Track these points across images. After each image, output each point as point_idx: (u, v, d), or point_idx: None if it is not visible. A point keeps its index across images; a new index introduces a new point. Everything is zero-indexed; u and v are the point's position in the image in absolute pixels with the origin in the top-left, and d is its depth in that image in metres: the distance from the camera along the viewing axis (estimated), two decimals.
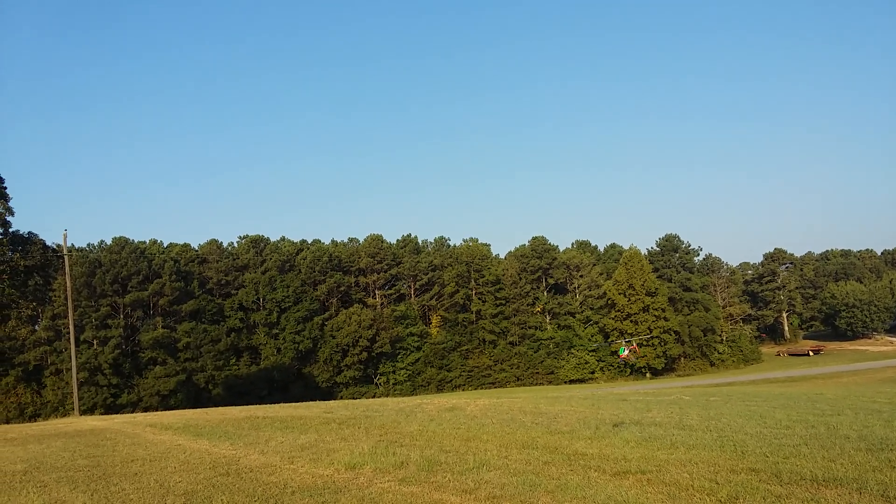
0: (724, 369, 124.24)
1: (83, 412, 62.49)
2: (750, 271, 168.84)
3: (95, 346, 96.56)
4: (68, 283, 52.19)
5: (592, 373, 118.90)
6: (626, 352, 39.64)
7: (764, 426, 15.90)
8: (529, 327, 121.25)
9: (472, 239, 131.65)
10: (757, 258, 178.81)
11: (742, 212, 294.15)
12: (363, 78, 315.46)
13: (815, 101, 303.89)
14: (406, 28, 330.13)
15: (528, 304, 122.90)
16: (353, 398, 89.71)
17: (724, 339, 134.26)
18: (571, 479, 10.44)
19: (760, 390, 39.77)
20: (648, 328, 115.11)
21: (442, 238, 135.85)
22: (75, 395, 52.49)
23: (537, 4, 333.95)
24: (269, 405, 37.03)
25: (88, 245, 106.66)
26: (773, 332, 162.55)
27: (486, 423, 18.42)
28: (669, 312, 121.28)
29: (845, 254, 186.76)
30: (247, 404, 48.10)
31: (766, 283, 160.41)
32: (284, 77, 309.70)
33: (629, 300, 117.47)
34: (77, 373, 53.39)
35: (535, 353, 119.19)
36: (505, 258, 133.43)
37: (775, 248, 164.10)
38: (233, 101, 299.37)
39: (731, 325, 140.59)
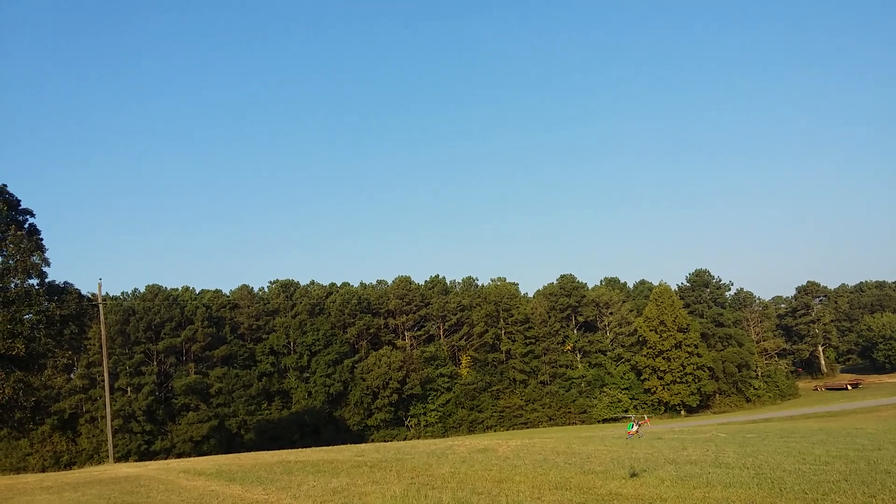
0: (760, 405, 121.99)
1: (118, 459, 62.90)
2: (783, 305, 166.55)
3: (129, 394, 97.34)
4: (103, 332, 52.94)
5: (626, 411, 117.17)
6: (636, 427, 37.89)
7: (802, 463, 15.63)
8: (560, 366, 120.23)
9: (499, 278, 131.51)
10: (790, 292, 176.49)
11: (773, 245, 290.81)
12: (389, 120, 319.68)
13: (845, 133, 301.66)
14: (427, 67, 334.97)
15: (558, 343, 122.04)
16: (385, 441, 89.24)
17: (760, 374, 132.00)
18: None
19: (798, 426, 39.01)
20: (683, 366, 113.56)
21: (470, 278, 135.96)
22: (110, 442, 52.88)
23: (569, 47, 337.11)
24: (300, 449, 37.07)
25: (122, 293, 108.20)
26: (809, 367, 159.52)
27: (518, 464, 18.29)
28: (702, 348, 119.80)
29: (880, 285, 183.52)
30: (279, 449, 48.13)
31: (800, 316, 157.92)
32: (312, 121, 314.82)
33: (661, 337, 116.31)
34: (111, 420, 53.87)
35: (566, 392, 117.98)
36: (533, 297, 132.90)
37: (808, 281, 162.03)
38: (260, 147, 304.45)
39: (765, 360, 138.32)
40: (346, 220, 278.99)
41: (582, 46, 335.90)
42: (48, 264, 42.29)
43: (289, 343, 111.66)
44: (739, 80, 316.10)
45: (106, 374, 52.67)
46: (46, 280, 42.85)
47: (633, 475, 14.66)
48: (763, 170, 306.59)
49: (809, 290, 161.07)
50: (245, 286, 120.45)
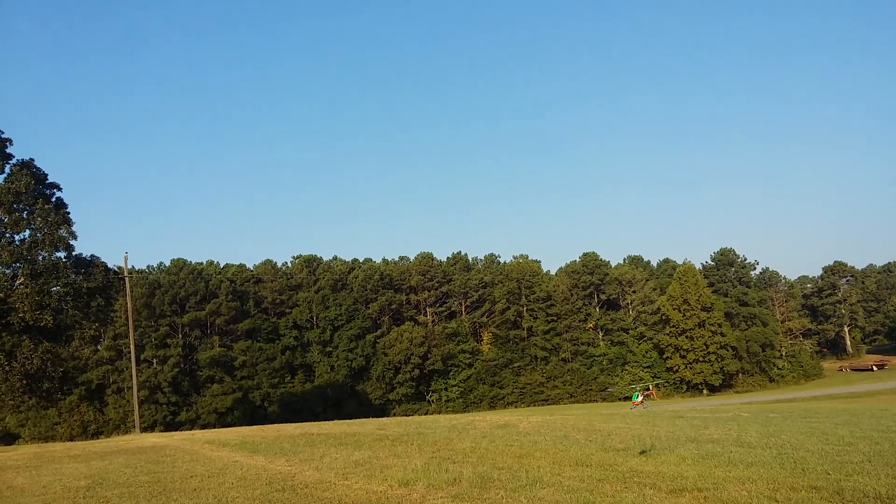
0: (783, 385, 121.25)
1: (143, 429, 63.86)
2: (809, 285, 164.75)
3: (155, 365, 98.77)
4: (129, 304, 53.57)
5: (647, 389, 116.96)
6: (640, 397, 37.99)
7: (826, 443, 15.51)
8: (582, 344, 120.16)
9: (522, 255, 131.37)
10: (816, 271, 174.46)
11: (800, 225, 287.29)
12: (409, 98, 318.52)
13: (873, 111, 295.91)
14: (449, 48, 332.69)
15: (580, 321, 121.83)
16: (406, 415, 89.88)
17: (784, 354, 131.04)
18: (626, 497, 10.33)
19: (822, 406, 38.71)
20: (707, 345, 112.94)
21: (492, 255, 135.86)
22: (136, 412, 53.69)
23: (591, 26, 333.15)
24: (323, 422, 37.38)
25: (148, 267, 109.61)
26: (834, 347, 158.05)
27: (538, 440, 18.32)
28: (726, 328, 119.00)
29: None
30: (302, 421, 48.63)
31: (826, 296, 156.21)
32: (337, 97, 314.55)
33: (684, 315, 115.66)
34: (138, 391, 54.64)
35: (588, 369, 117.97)
36: (556, 274, 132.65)
37: (835, 261, 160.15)
38: (284, 123, 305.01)
39: (790, 339, 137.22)
40: (369, 196, 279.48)
41: (603, 25, 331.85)
42: (75, 237, 42.83)
43: (312, 317, 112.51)
44: (765, 59, 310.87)
45: (132, 346, 53.36)
46: (73, 253, 43.43)
47: (643, 452, 14.50)
48: (789, 149, 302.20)
49: (836, 270, 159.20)
50: (268, 261, 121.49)
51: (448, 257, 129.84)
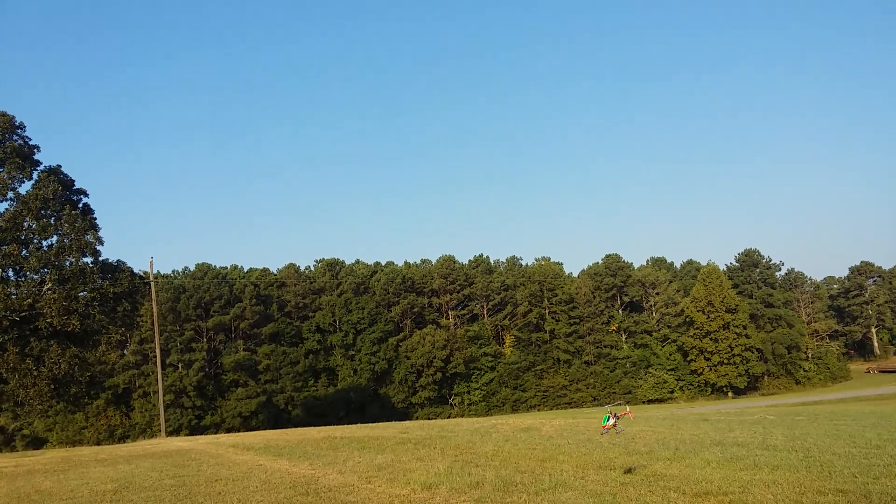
0: (810, 387, 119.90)
1: (169, 433, 64.50)
2: (835, 285, 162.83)
3: (180, 370, 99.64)
4: (154, 309, 54.14)
5: (672, 392, 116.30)
6: (612, 420, 36.39)
7: (853, 446, 15.34)
8: (605, 346, 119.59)
9: (543, 258, 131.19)
10: (843, 272, 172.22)
11: (826, 224, 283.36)
12: (427, 99, 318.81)
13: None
14: (472, 43, 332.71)
15: (602, 323, 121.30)
16: (429, 418, 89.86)
17: (810, 356, 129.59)
18: (650, 501, 10.28)
19: (849, 409, 38.22)
20: (731, 347, 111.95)
21: (513, 258, 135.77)
22: (162, 417, 54.25)
23: (614, 16, 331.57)
24: (346, 426, 37.58)
25: (173, 271, 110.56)
26: (861, 349, 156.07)
27: (561, 443, 18.28)
28: (751, 329, 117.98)
29: None
30: (325, 425, 48.87)
31: (853, 297, 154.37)
32: (355, 97, 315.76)
33: (708, 317, 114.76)
34: (163, 395, 55.21)
35: (611, 372, 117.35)
36: (578, 277, 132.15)
37: (862, 261, 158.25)
38: (304, 127, 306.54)
39: (816, 341, 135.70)
40: (390, 199, 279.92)
41: (625, 13, 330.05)
42: (101, 243, 43.34)
43: (334, 321, 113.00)
44: (785, 51, 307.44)
45: (158, 351, 53.95)
46: (100, 258, 43.94)
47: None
48: (816, 147, 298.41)
49: (863, 271, 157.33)
50: (292, 265, 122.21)
51: (470, 260, 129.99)
